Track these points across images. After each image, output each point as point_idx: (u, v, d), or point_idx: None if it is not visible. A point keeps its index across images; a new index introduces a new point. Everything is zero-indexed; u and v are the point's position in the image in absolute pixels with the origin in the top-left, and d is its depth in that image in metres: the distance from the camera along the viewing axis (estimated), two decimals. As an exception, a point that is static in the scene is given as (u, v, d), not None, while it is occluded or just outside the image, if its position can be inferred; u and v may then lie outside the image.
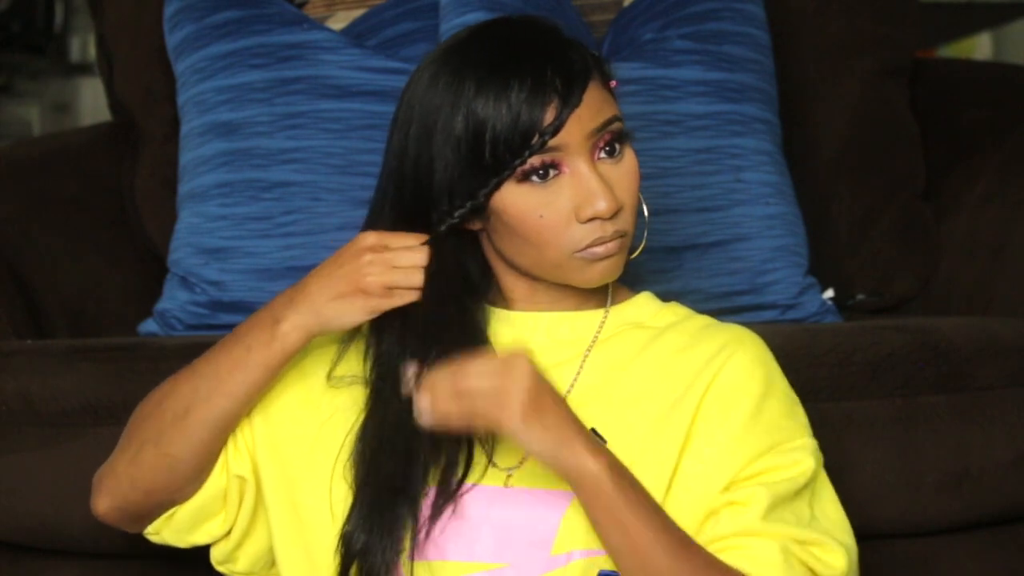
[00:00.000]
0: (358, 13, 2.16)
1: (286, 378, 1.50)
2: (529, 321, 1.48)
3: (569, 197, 1.39)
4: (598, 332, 1.47)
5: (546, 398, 1.33)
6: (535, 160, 1.38)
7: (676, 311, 1.50)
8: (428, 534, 1.40)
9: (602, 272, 1.42)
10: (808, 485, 1.40)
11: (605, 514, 1.34)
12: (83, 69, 4.39)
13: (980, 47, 4.43)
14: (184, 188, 2.09)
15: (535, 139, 1.37)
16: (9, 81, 4.38)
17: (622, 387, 1.44)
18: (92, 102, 4.19)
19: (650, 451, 1.40)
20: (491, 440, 1.42)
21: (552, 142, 1.38)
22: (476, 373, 1.33)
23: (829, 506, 1.43)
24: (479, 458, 1.42)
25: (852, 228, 2.20)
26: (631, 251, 1.46)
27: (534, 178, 1.39)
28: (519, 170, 1.39)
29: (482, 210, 1.41)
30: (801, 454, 1.40)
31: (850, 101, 2.24)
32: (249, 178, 2.03)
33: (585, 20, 2.15)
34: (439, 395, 1.34)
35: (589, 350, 1.46)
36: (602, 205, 1.39)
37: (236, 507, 1.50)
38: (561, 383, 1.44)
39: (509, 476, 1.42)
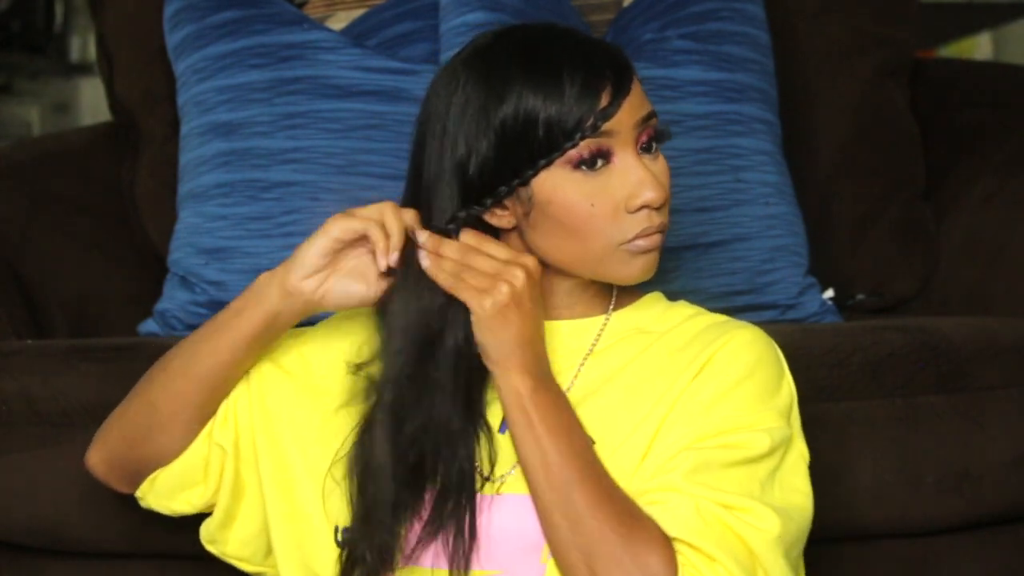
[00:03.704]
0: (358, 13, 2.16)
1: (291, 373, 1.51)
2: None
3: (619, 186, 1.40)
4: (596, 340, 1.47)
5: (524, 306, 1.39)
6: (590, 146, 1.39)
7: (681, 311, 1.50)
8: (428, 543, 1.40)
9: (642, 267, 1.43)
10: (758, 461, 1.38)
11: (525, 433, 1.38)
12: (83, 69, 4.39)
13: (980, 47, 4.43)
14: (184, 188, 2.09)
15: (589, 122, 1.38)
16: (9, 81, 4.38)
17: (615, 390, 1.44)
18: (92, 102, 4.19)
19: (633, 442, 1.40)
20: (493, 454, 1.42)
21: (605, 127, 1.39)
22: (485, 254, 1.40)
23: (789, 492, 1.39)
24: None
25: (852, 228, 2.20)
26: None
27: (583, 167, 1.40)
28: (572, 156, 1.39)
29: (525, 201, 1.41)
30: (758, 434, 1.38)
31: (850, 101, 2.24)
32: (249, 178, 2.03)
33: (585, 20, 2.15)
34: (444, 257, 1.41)
35: (586, 357, 1.46)
36: (651, 194, 1.40)
37: (217, 479, 1.51)
38: None
39: (501, 483, 1.42)
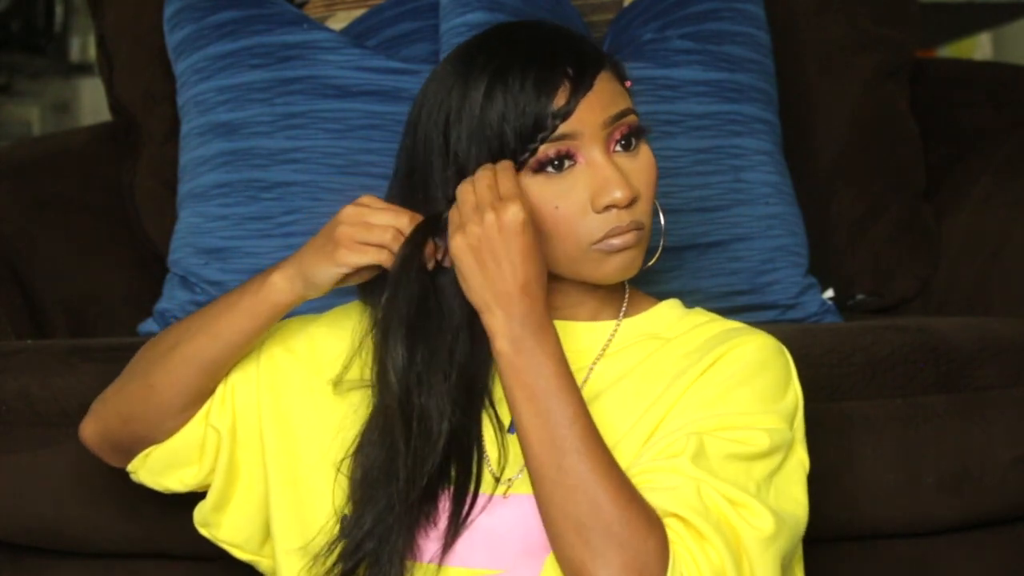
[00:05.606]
0: (358, 13, 2.16)
1: (301, 357, 1.51)
2: None
3: (585, 187, 1.39)
4: (607, 344, 1.47)
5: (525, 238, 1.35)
6: (549, 150, 1.38)
7: (696, 318, 1.48)
8: (446, 543, 1.40)
9: (618, 266, 1.41)
10: (756, 459, 1.36)
11: (513, 384, 1.34)
12: (83, 69, 4.39)
13: (980, 47, 4.44)
14: (184, 188, 2.09)
15: (547, 123, 1.37)
16: (9, 81, 4.39)
17: (623, 390, 1.43)
18: (92, 102, 4.19)
19: (636, 432, 1.39)
20: (504, 456, 1.41)
21: (566, 129, 1.38)
22: (484, 183, 1.37)
23: (785, 499, 1.37)
24: (484, 467, 1.42)
25: (852, 228, 2.20)
26: (649, 255, 1.45)
27: (549, 169, 1.39)
28: (534, 160, 1.38)
29: None
30: (757, 432, 1.36)
31: (850, 101, 2.24)
32: (249, 178, 2.03)
33: (585, 20, 2.15)
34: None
35: (596, 362, 1.45)
36: (618, 193, 1.38)
37: (212, 461, 1.51)
38: None
39: (509, 485, 1.41)
